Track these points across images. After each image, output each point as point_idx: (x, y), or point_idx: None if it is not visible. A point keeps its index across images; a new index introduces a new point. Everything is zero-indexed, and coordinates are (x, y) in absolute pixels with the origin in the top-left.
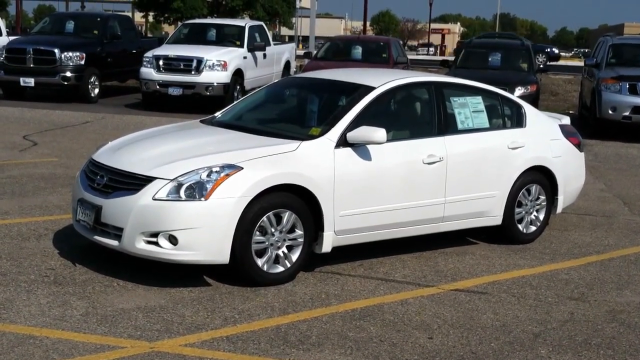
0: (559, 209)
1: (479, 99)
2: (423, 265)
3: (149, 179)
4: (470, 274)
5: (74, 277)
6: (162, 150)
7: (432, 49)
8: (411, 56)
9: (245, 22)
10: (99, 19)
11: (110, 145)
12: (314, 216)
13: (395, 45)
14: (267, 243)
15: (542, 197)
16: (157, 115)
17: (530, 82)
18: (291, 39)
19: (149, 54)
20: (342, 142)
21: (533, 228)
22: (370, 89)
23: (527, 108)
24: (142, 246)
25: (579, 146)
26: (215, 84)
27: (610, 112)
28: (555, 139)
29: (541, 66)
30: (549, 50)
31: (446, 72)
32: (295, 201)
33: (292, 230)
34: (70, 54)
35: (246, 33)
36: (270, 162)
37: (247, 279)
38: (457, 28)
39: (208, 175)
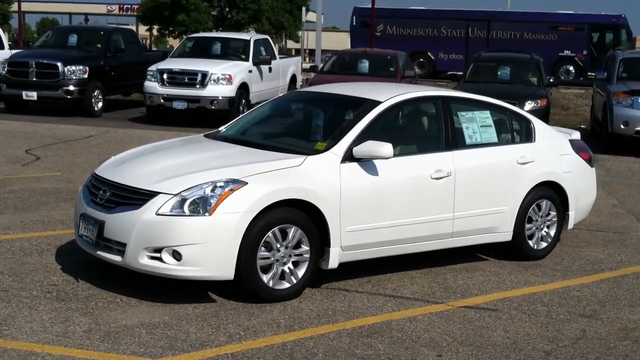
0: (570, 225)
1: (487, 113)
2: (432, 281)
3: (152, 194)
4: (480, 290)
5: (77, 293)
6: (165, 165)
7: None
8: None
9: (251, 36)
10: (102, 33)
11: (113, 159)
12: (320, 232)
13: (402, 59)
14: (272, 259)
15: (553, 213)
16: (162, 129)
17: (541, 96)
18: (297, 52)
19: (153, 67)
20: (348, 156)
21: (544, 244)
22: (376, 103)
23: (537, 123)
24: (145, 262)
25: (589, 161)
26: (220, 98)
27: (622, 126)
28: (565, 154)
29: (551, 80)
30: None
31: (454, 86)
32: (301, 216)
33: (298, 245)
34: (73, 67)
35: (251, 46)
36: (275, 176)
37: (252, 295)
38: None
39: (212, 190)
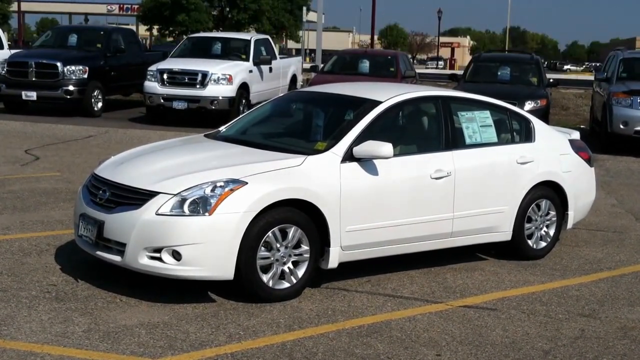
0: (570, 225)
1: (487, 113)
2: (431, 281)
3: (152, 194)
4: (480, 290)
5: (76, 293)
6: (165, 165)
7: (441, 63)
8: (420, 70)
9: (251, 36)
10: (102, 33)
11: (113, 159)
12: (320, 231)
13: (403, 59)
14: (272, 258)
15: (552, 213)
16: (162, 129)
17: (540, 96)
18: (298, 52)
19: (153, 67)
20: (348, 156)
21: (543, 244)
22: (376, 103)
23: (536, 123)
24: (145, 262)
25: (588, 161)
26: (220, 98)
27: (621, 126)
28: (564, 154)
29: (551, 80)
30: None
31: (455, 86)
32: (301, 216)
33: (297, 245)
34: (73, 67)
35: (252, 46)
36: (275, 176)
37: (252, 295)
38: (466, 42)
39: (212, 190)
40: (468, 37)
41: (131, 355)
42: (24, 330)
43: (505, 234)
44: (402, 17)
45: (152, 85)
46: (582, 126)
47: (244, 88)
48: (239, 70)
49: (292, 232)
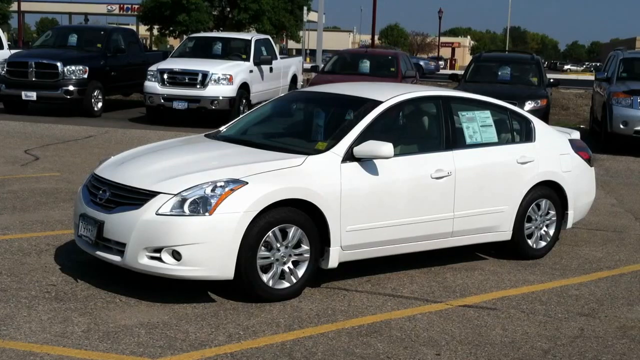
0: (569, 224)
1: (488, 113)
2: (431, 280)
3: (152, 194)
4: (479, 289)
5: (76, 293)
6: (165, 165)
7: (441, 63)
8: None
9: (252, 36)
10: (102, 33)
11: (113, 159)
12: (320, 231)
13: (403, 59)
14: (272, 258)
15: (552, 212)
16: (162, 129)
17: (541, 96)
18: (298, 52)
19: (154, 67)
20: (349, 156)
21: (543, 243)
22: (377, 103)
23: (536, 122)
24: (145, 262)
25: (589, 161)
26: (220, 98)
27: (621, 126)
28: (565, 154)
29: (551, 80)
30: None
31: (455, 86)
32: (301, 216)
33: (298, 245)
34: (73, 67)
35: (252, 46)
36: (275, 176)
37: (252, 294)
38: (467, 42)
39: (212, 190)
40: (468, 37)
41: (131, 355)
42: (24, 330)
43: (505, 233)
44: (402, 17)
45: (152, 85)
46: (582, 126)
47: (244, 88)
48: (239, 70)
49: (292, 232)
